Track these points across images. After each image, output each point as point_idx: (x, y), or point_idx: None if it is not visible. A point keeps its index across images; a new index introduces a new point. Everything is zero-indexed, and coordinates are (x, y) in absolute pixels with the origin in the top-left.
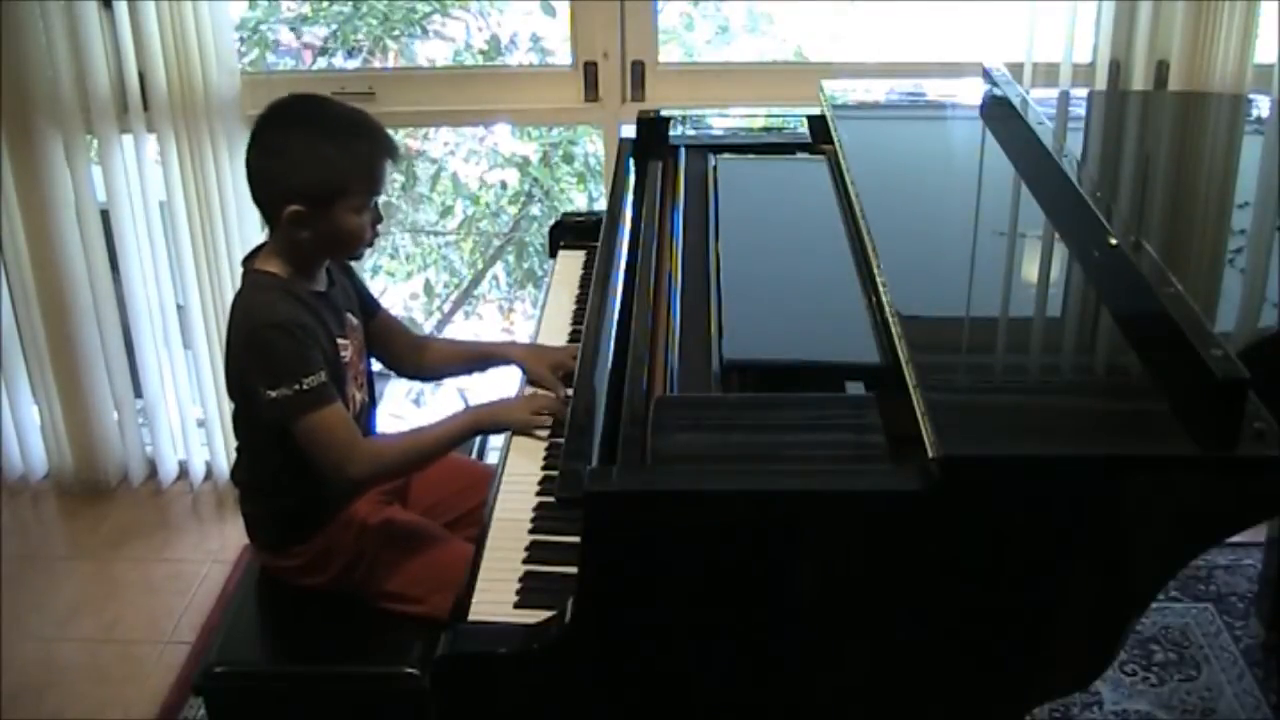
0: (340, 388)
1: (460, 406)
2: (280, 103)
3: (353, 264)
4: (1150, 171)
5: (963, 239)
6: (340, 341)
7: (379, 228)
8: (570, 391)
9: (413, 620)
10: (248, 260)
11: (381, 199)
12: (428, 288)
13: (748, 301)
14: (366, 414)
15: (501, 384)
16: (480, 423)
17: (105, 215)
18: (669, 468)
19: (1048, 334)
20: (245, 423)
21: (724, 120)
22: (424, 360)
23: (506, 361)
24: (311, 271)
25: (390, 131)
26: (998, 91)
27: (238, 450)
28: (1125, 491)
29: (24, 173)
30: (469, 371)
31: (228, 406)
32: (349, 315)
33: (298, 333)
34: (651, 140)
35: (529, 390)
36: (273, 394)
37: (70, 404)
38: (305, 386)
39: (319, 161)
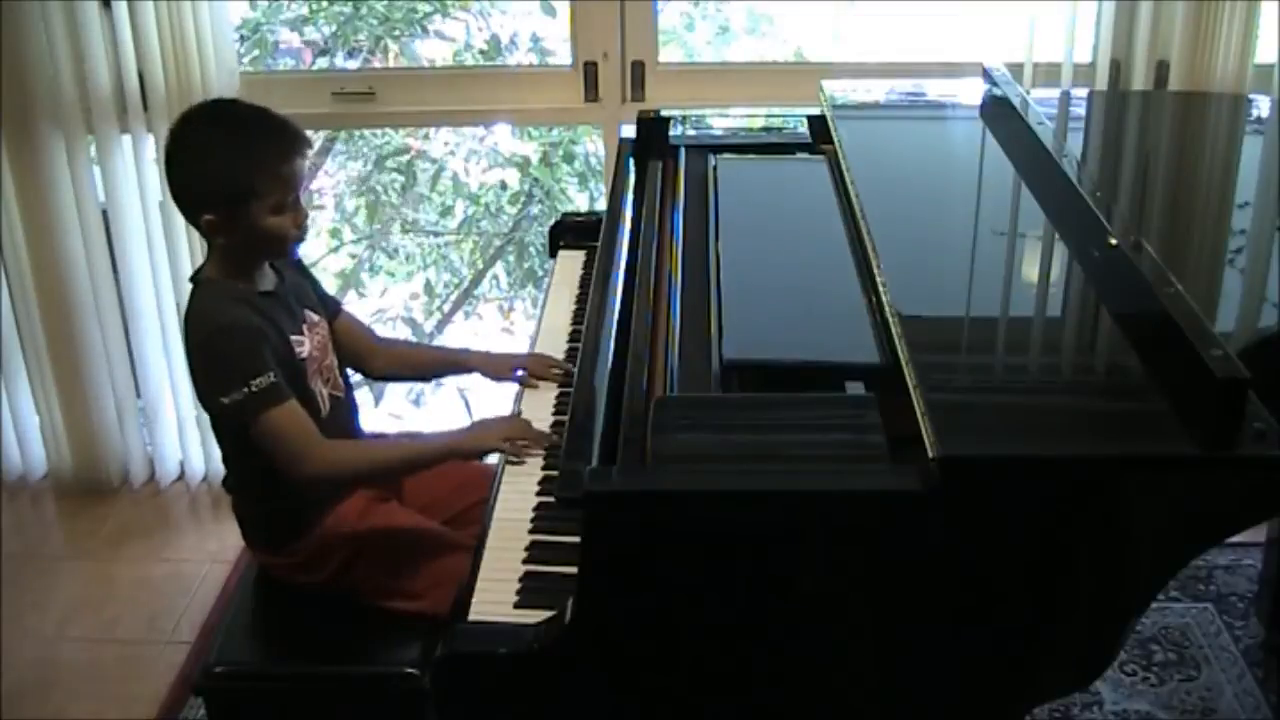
0: (302, 384)
1: (460, 405)
2: (187, 112)
3: (339, 271)
4: (1150, 171)
5: (963, 239)
6: (295, 339)
7: (306, 223)
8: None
9: (413, 620)
10: (194, 276)
11: (303, 196)
12: (428, 288)
13: (748, 301)
14: (344, 409)
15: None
16: (460, 448)
17: (105, 215)
18: (669, 468)
19: (1048, 334)
20: (220, 433)
21: (724, 120)
22: (385, 362)
23: (466, 369)
24: (251, 273)
25: (390, 131)
26: (998, 91)
27: (223, 459)
28: (1125, 491)
29: (24, 173)
30: (431, 377)
31: None
32: (306, 311)
33: (243, 334)
34: (651, 140)
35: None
36: (225, 400)
37: (70, 404)
38: (255, 388)
39: (224, 165)
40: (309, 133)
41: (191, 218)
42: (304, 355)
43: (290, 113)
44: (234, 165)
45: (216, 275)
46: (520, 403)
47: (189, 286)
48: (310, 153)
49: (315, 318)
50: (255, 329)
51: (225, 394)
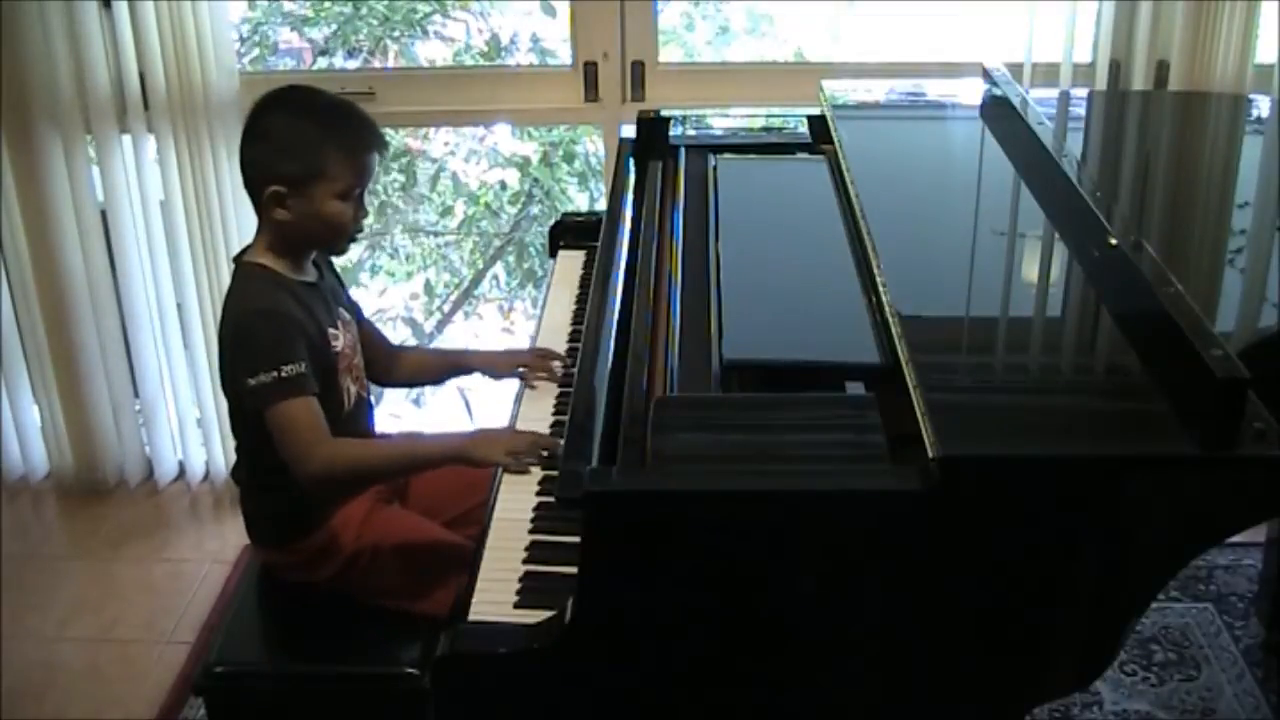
0: (333, 378)
1: (460, 405)
2: (273, 91)
3: (340, 269)
4: (1150, 171)
5: (963, 239)
6: (331, 332)
7: (364, 222)
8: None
9: (413, 620)
10: (238, 257)
11: (368, 194)
12: (428, 288)
13: (748, 301)
14: (363, 407)
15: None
16: (462, 454)
17: (104, 215)
18: (669, 468)
19: (1048, 334)
20: (240, 419)
21: (724, 120)
22: (396, 368)
23: (468, 369)
24: (299, 261)
25: (390, 131)
26: (998, 91)
27: (237, 448)
28: (1125, 491)
29: (24, 173)
30: (437, 381)
31: (225, 405)
32: (340, 309)
33: (281, 320)
34: (651, 140)
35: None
36: (252, 382)
37: (71, 404)
38: (284, 374)
39: (300, 143)
40: None
41: (257, 190)
42: (338, 350)
43: None
44: (313, 142)
45: (263, 259)
46: (521, 402)
47: (187, 286)
48: (385, 155)
49: (348, 316)
50: (294, 319)
51: (253, 375)
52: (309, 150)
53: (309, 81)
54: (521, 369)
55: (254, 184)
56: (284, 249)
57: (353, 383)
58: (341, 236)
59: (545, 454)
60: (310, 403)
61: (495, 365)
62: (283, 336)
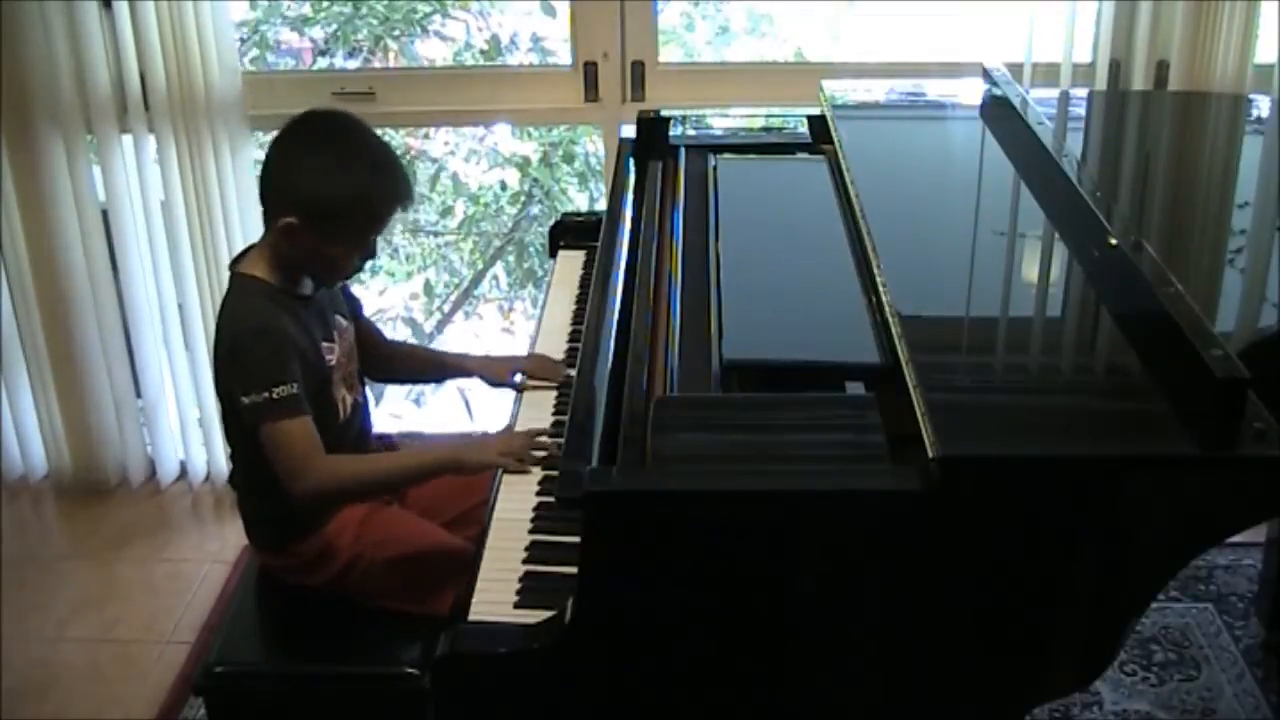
0: (327, 390)
1: (460, 405)
2: (319, 112)
3: None
4: (1150, 171)
5: (963, 239)
6: (325, 345)
7: (368, 263)
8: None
9: (413, 620)
10: (234, 263)
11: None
12: (428, 288)
13: (748, 301)
14: (359, 413)
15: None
16: (457, 461)
17: (105, 215)
18: (669, 468)
19: (1048, 334)
20: (234, 426)
21: (724, 120)
22: (392, 366)
23: (466, 373)
24: (295, 279)
25: (390, 132)
26: (998, 91)
27: (231, 455)
28: (1125, 491)
29: (24, 173)
30: (435, 380)
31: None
32: (337, 317)
33: (276, 340)
34: (651, 140)
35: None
36: (246, 400)
37: (70, 404)
38: (276, 395)
39: (330, 185)
40: None
41: (271, 212)
42: (332, 363)
43: (291, 112)
44: (344, 191)
45: (260, 272)
46: (521, 403)
47: (188, 286)
48: (410, 209)
49: (344, 324)
50: (289, 336)
51: (246, 393)
52: (336, 196)
53: (309, 81)
54: (519, 374)
55: (269, 201)
56: (281, 268)
57: (347, 392)
58: (338, 276)
59: (543, 452)
60: (302, 423)
61: (492, 371)
62: (277, 354)
